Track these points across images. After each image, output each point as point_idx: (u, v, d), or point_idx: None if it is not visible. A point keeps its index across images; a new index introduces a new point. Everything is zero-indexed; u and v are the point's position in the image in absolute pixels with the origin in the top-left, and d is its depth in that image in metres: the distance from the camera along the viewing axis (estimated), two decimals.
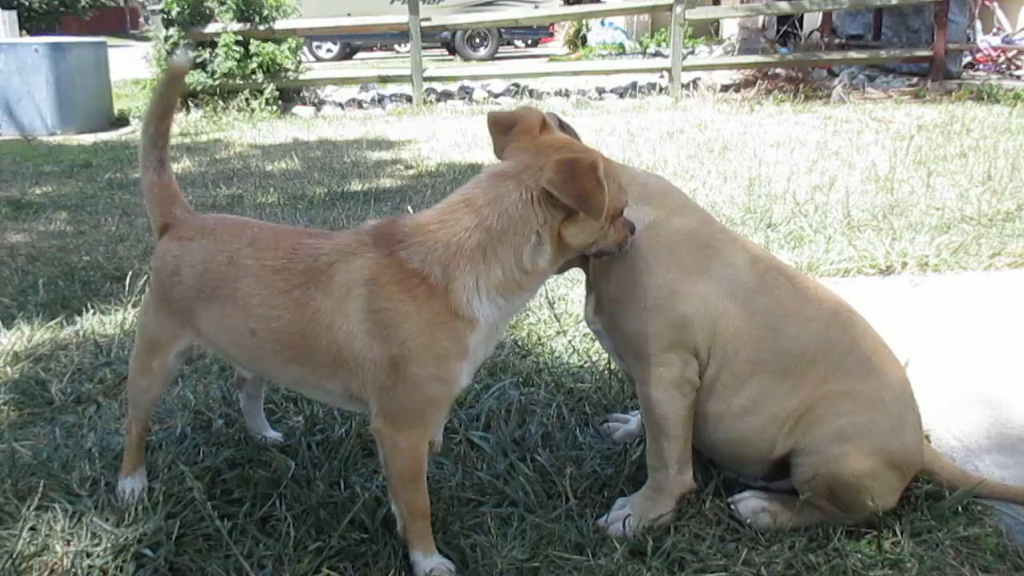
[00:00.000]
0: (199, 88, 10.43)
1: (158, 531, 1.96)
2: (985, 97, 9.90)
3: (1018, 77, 11.67)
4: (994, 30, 12.79)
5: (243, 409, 2.42)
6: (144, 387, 2.11)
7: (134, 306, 3.54)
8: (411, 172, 6.76)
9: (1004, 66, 12.18)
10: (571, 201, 1.60)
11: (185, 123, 10.07)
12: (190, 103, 10.57)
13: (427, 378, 1.68)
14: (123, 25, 28.95)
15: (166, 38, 10.37)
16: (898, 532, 1.96)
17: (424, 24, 11.42)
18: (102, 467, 2.26)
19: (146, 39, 11.15)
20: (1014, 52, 12.19)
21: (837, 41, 13.37)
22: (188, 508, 2.04)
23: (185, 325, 1.98)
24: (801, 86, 11.08)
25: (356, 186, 6.19)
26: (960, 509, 2.04)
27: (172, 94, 2.07)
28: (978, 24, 12.52)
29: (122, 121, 10.69)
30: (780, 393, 1.96)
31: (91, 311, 3.50)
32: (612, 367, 2.73)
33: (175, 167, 7.23)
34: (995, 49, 12.20)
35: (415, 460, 1.76)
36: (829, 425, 1.93)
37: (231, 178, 6.64)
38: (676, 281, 1.94)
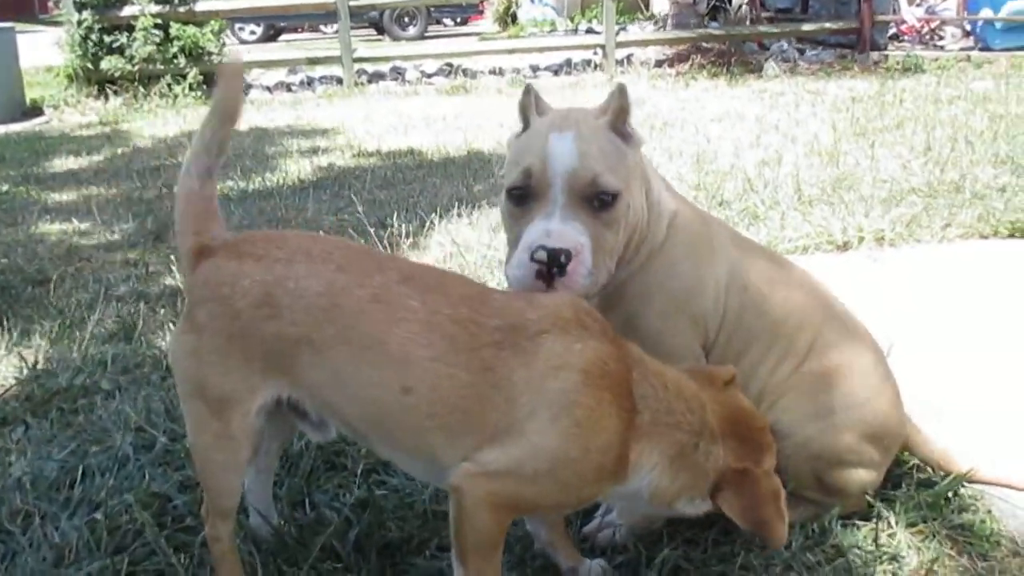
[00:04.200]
0: (117, 74, 9.94)
1: (104, 570, 1.77)
2: (912, 68, 10.09)
3: (941, 47, 11.93)
4: (917, 1, 13.03)
5: (247, 486, 1.88)
6: (223, 461, 1.59)
7: (60, 312, 3.28)
8: (348, 156, 6.52)
9: (927, 37, 12.43)
10: (745, 525, 1.49)
11: (103, 111, 9.59)
12: (108, 90, 10.06)
13: (567, 486, 1.47)
14: (32, 9, 27.59)
15: (79, 23, 9.84)
16: (893, 523, 1.90)
17: (352, 4, 11.09)
18: (35, 498, 2.05)
19: (58, 24, 10.56)
20: (937, 23, 12.44)
21: (766, 15, 13.45)
22: (137, 541, 1.86)
23: (271, 373, 1.53)
24: (733, 60, 11.12)
25: (293, 174, 5.93)
26: (952, 495, 1.99)
27: (232, 99, 1.63)
28: None
29: (36, 111, 10.11)
30: (769, 365, 1.89)
31: (12, 320, 3.23)
32: None
33: (93, 158, 6.89)
34: (919, 20, 12.43)
35: (498, 532, 1.50)
36: (807, 405, 1.86)
37: (157, 169, 6.31)
38: (696, 275, 1.84)
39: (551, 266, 1.59)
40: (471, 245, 3.99)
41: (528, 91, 1.79)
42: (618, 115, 1.73)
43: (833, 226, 3.85)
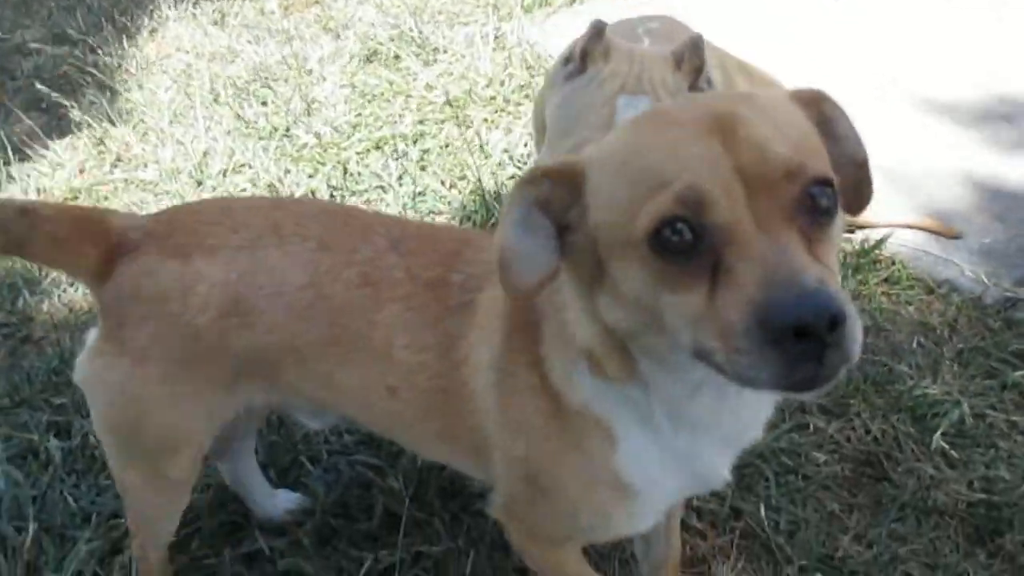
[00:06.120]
0: None
1: None
2: None
3: None
4: None
5: (233, 482, 1.60)
6: (157, 506, 1.31)
7: None
8: None
9: None
10: None
11: None
12: None
13: (572, 502, 1.10)
14: None
15: None
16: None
17: None
18: None
19: None
20: None
21: None
22: None
23: (241, 384, 1.20)
24: None
25: None
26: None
27: None
28: None
29: None
30: None
31: None
32: None
33: None
34: None
35: (557, 567, 1.24)
36: None
37: None
38: None
39: None
40: (202, 50, 3.48)
41: (599, 33, 1.45)
42: (697, 75, 1.55)
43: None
